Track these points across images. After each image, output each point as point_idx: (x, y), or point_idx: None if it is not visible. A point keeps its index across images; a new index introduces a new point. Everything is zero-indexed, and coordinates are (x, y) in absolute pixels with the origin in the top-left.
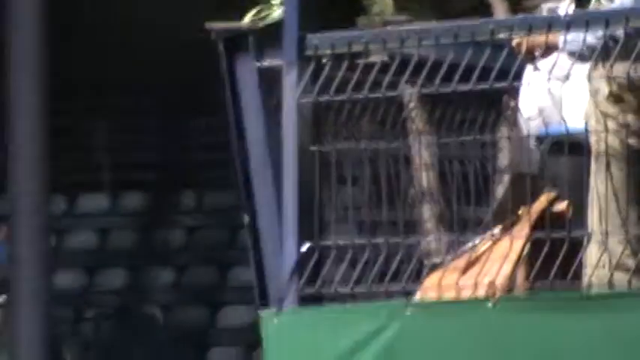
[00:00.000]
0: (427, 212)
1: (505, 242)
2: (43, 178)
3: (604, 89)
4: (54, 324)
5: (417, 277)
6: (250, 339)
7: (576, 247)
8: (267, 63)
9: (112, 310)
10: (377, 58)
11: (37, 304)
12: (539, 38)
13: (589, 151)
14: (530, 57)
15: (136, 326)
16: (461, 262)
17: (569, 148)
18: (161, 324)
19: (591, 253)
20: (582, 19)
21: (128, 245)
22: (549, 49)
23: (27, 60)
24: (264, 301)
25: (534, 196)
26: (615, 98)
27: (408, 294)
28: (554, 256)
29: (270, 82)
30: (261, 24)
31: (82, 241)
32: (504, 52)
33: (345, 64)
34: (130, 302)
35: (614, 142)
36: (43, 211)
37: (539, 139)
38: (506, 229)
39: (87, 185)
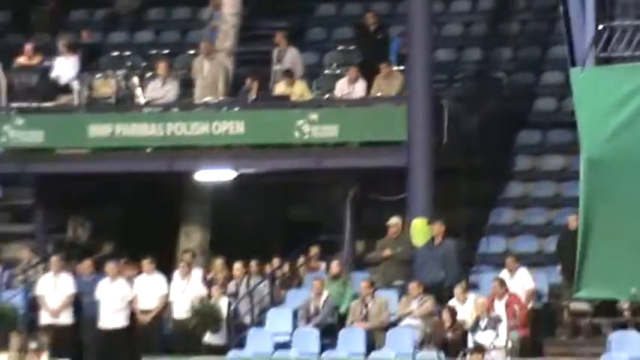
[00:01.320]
0: None
1: None
2: None
3: None
4: (435, 84)
5: None
6: (562, 93)
7: None
8: None
9: (473, 74)
10: None
11: (425, 72)
12: None
13: None
14: None
15: (486, 85)
16: None
17: None
18: (504, 83)
19: None
20: None
21: (482, 34)
22: None
23: None
24: (573, 63)
25: None
26: None
27: None
28: None
29: None
30: None
31: (451, 31)
32: None
33: None
34: (484, 69)
35: None
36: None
37: None
38: None
39: None
